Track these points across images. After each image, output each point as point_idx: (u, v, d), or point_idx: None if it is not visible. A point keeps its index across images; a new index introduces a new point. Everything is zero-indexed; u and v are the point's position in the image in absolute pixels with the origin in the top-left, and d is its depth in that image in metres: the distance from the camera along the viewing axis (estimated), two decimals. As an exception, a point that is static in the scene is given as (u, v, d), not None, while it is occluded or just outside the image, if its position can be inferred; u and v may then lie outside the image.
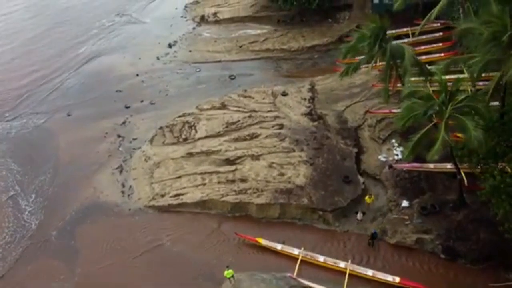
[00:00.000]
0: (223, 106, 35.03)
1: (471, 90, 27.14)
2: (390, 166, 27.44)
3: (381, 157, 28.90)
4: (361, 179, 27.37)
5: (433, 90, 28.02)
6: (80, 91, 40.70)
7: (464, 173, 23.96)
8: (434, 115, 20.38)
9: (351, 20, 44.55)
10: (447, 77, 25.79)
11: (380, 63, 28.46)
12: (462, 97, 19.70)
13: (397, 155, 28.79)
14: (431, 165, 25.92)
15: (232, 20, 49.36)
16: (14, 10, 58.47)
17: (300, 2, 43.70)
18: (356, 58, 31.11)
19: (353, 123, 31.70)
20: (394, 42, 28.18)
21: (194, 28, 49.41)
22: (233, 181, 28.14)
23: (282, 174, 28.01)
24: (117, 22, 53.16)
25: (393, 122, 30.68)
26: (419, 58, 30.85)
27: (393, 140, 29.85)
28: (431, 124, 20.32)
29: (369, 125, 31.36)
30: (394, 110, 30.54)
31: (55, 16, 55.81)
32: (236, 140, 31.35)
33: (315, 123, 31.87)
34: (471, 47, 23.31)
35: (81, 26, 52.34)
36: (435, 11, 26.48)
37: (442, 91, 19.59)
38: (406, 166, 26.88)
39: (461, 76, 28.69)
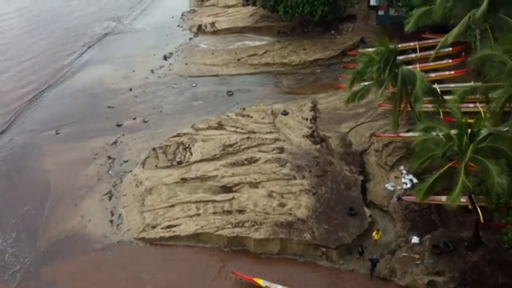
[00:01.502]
0: (220, 126, 33.07)
1: (485, 112, 25.38)
2: (399, 198, 25.48)
3: (389, 186, 26.91)
4: (368, 212, 25.44)
5: (445, 112, 26.32)
6: (70, 107, 38.35)
7: (480, 207, 22.12)
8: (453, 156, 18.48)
9: (355, 32, 42.68)
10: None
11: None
12: (483, 134, 17.78)
13: (405, 183, 26.84)
14: (444, 198, 23.91)
15: (230, 30, 47.42)
16: (8, 24, 56.08)
17: (302, 13, 41.67)
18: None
19: (358, 147, 29.75)
20: (402, 57, 26.37)
21: (190, 39, 47.36)
22: (229, 212, 26.17)
23: (282, 205, 26.07)
24: (111, 31, 51.11)
25: (400, 147, 28.97)
26: (427, 75, 29.07)
27: (402, 167, 27.84)
28: (448, 165, 18.43)
29: (376, 149, 29.37)
30: (402, 134, 28.77)
31: (48, 25, 53.41)
32: (233, 164, 29.40)
33: (318, 147, 29.98)
34: (490, 75, 21.36)
35: (74, 35, 50.07)
36: (451, 35, 24.34)
37: (462, 132, 17.59)
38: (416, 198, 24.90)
39: (478, 105, 26.96)
